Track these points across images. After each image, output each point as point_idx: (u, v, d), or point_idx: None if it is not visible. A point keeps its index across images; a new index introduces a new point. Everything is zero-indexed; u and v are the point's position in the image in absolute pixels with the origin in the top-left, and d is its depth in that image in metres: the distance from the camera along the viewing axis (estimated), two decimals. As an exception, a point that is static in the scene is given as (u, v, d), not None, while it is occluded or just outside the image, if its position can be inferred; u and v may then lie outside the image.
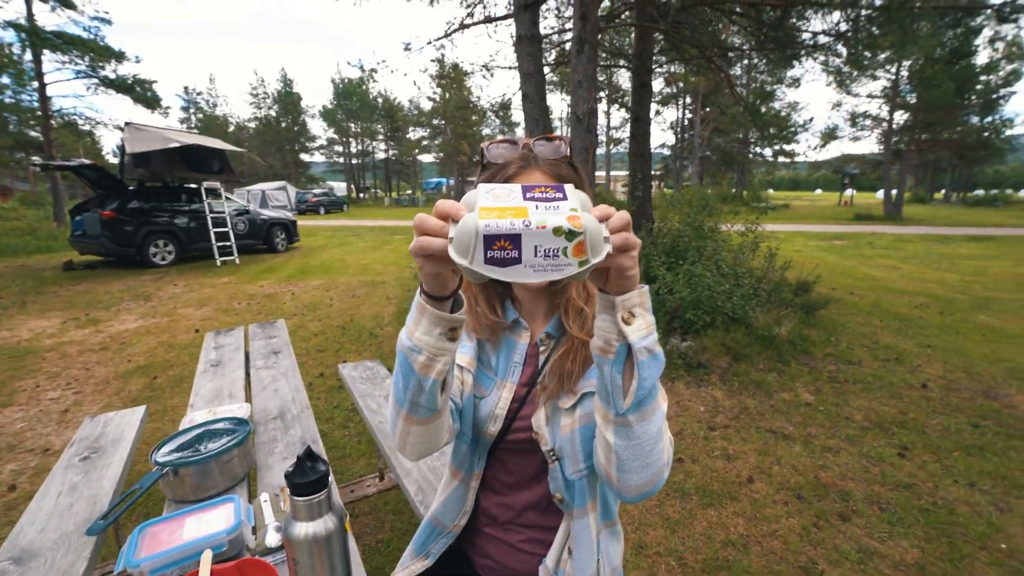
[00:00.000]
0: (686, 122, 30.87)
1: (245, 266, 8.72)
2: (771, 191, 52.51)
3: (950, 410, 2.90)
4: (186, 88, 43.59)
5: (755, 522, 1.93)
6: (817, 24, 6.24)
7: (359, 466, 2.39)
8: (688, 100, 28.97)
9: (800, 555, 1.76)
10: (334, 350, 4.13)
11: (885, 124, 20.98)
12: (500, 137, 0.79)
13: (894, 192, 20.20)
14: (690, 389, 3.13)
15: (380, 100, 39.05)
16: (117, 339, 4.60)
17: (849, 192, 30.46)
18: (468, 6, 6.74)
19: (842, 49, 6.12)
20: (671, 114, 31.61)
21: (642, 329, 0.54)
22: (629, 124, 6.16)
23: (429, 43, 6.89)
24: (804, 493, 2.11)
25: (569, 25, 4.29)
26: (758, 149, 29.38)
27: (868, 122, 22.37)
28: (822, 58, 6.53)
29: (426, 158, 44.13)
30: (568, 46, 4.17)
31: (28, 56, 14.41)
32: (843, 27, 5.89)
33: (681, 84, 22.19)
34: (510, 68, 4.69)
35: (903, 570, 1.69)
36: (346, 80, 38.39)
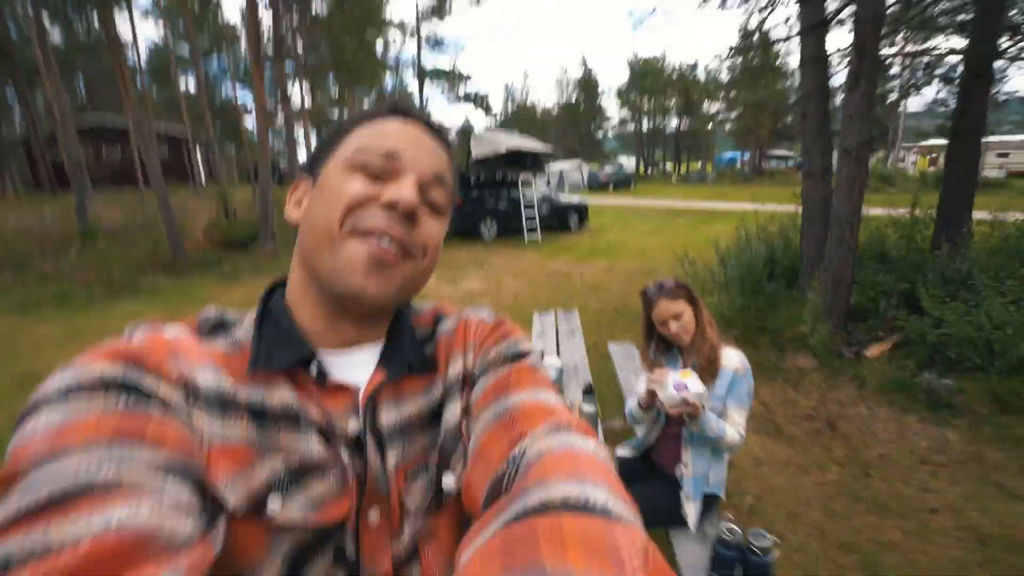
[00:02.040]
0: None
1: (546, 244, 10.97)
2: None
3: None
4: (506, 86, 53.09)
5: (913, 536, 2.31)
6: None
7: (610, 413, 3.60)
8: None
9: (941, 573, 2.13)
10: (607, 327, 5.43)
11: None
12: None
13: None
14: (922, 424, 3.22)
15: (675, 75, 38.75)
16: (468, 295, 6.97)
17: None
18: (762, 10, 6.78)
19: None
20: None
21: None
22: (953, 119, 5.36)
23: (723, 59, 7.23)
24: (989, 541, 2.30)
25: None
26: None
27: None
28: None
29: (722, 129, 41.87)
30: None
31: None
32: None
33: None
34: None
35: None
36: (642, 61, 39.39)
